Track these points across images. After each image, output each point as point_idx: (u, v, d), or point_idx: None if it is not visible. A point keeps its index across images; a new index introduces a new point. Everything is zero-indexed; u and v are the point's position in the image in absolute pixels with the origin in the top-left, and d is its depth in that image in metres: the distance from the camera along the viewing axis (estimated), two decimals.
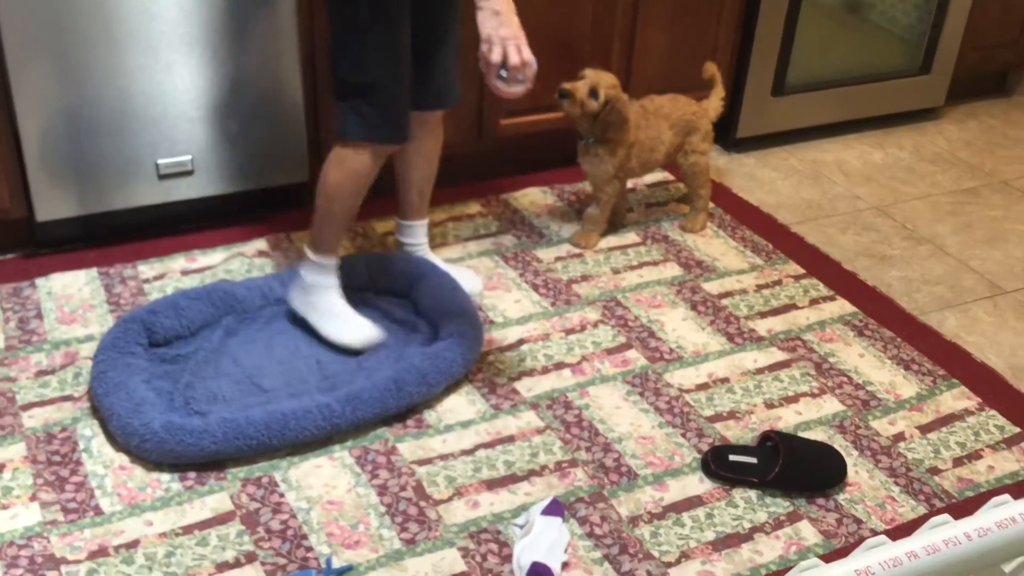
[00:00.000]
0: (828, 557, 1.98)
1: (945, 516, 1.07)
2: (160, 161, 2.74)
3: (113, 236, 2.83)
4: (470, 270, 2.78)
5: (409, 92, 2.32)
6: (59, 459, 2.11)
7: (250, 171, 2.87)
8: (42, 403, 2.25)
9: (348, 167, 2.32)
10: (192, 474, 2.09)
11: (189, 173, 2.79)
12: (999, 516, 1.05)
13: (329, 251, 2.41)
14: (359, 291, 2.61)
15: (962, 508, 2.13)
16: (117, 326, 2.32)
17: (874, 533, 2.07)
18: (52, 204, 2.69)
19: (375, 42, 2.20)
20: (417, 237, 2.73)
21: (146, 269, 2.72)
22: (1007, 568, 1.14)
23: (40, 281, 2.64)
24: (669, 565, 1.97)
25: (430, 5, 2.34)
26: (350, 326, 2.42)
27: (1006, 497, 1.09)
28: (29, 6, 2.44)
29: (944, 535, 1.03)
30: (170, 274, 2.71)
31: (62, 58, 2.53)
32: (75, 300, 2.58)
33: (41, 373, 2.34)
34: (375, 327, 2.43)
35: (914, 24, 3.76)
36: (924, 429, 2.37)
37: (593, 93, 2.77)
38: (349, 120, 2.29)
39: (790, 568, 1.93)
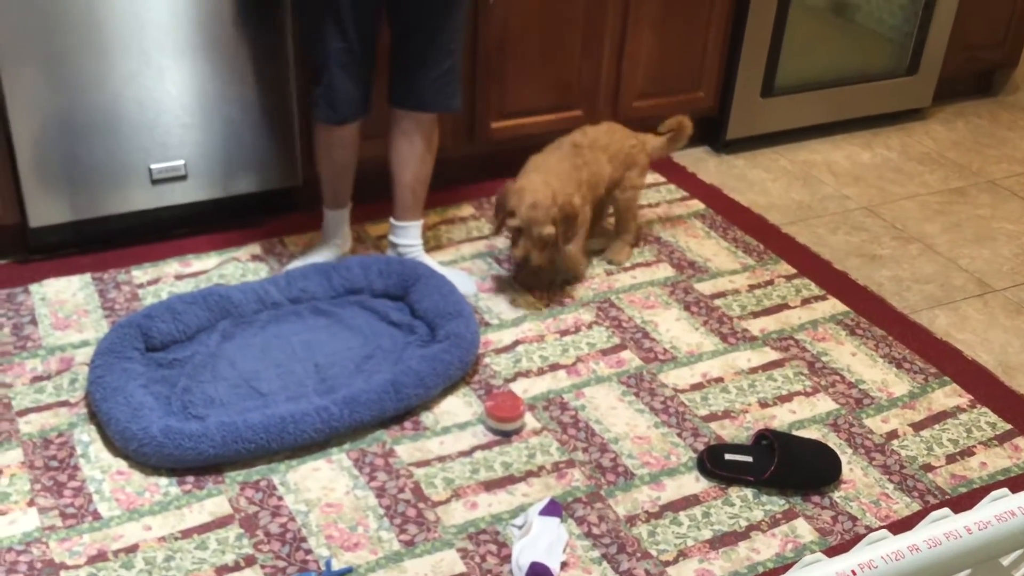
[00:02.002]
0: (828, 553, 2.00)
1: (945, 510, 1.08)
2: (153, 166, 2.74)
3: (106, 241, 2.83)
4: (464, 272, 2.79)
5: (357, 79, 2.49)
6: (56, 464, 2.11)
7: (243, 176, 2.87)
8: (38, 408, 2.25)
9: (315, 140, 2.66)
10: (190, 478, 2.09)
11: (182, 178, 2.79)
12: (998, 509, 1.06)
13: (327, 203, 2.74)
14: (355, 293, 2.62)
15: (956, 504, 2.15)
16: (113, 331, 2.32)
17: (869, 530, 2.09)
18: (45, 210, 2.68)
19: (319, 28, 2.41)
20: (411, 238, 2.74)
21: (140, 274, 2.72)
22: (1005, 562, 1.16)
23: (34, 287, 2.64)
24: (667, 564, 1.98)
25: (407, 11, 2.44)
26: (313, 256, 2.77)
27: (1005, 491, 1.11)
28: (22, 12, 2.44)
29: (945, 528, 1.04)
30: (164, 279, 2.71)
31: (55, 64, 2.53)
32: (69, 305, 2.58)
33: (37, 379, 2.33)
34: (333, 251, 2.77)
35: (900, 25, 3.79)
36: (917, 427, 2.39)
37: (539, 240, 2.55)
38: (310, 97, 2.58)
39: (787, 566, 1.95)
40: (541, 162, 2.69)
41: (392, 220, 2.74)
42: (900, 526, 2.08)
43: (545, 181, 2.58)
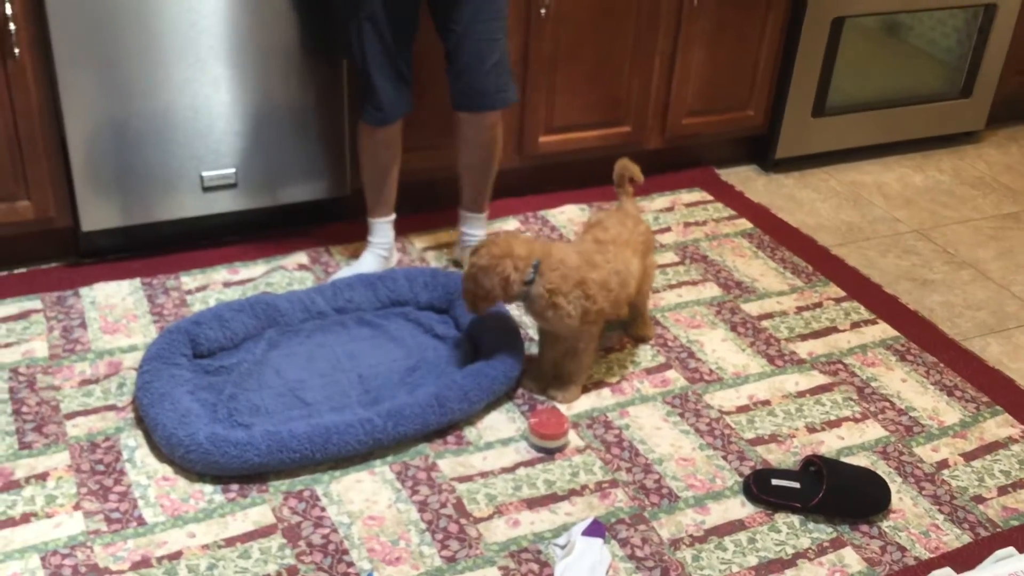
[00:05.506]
0: None
1: (1010, 549, 1.05)
2: (205, 173, 2.76)
3: (156, 247, 2.85)
4: None
5: (397, 80, 2.55)
6: (103, 468, 2.12)
7: (292, 185, 2.89)
8: (86, 412, 2.27)
9: (359, 143, 2.71)
10: (235, 486, 2.10)
11: (233, 186, 2.81)
12: None
13: (371, 211, 2.78)
14: (400, 305, 2.62)
15: (1007, 538, 2.11)
16: (162, 337, 2.34)
17: (918, 561, 2.05)
18: (97, 214, 2.71)
19: (355, 32, 2.49)
20: (473, 228, 2.85)
21: (188, 280, 2.74)
22: None
23: (84, 290, 2.67)
24: None
25: (442, 13, 2.51)
26: (359, 266, 2.77)
27: None
28: (79, 20, 2.47)
29: (1011, 568, 1.02)
30: (212, 286, 2.72)
31: (110, 71, 2.55)
32: (119, 310, 2.61)
33: (85, 382, 2.35)
34: (379, 262, 2.78)
35: (954, 47, 3.74)
36: (968, 456, 2.34)
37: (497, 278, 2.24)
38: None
39: None
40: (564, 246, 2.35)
41: (461, 211, 2.83)
42: (950, 558, 2.04)
43: (577, 252, 2.28)
